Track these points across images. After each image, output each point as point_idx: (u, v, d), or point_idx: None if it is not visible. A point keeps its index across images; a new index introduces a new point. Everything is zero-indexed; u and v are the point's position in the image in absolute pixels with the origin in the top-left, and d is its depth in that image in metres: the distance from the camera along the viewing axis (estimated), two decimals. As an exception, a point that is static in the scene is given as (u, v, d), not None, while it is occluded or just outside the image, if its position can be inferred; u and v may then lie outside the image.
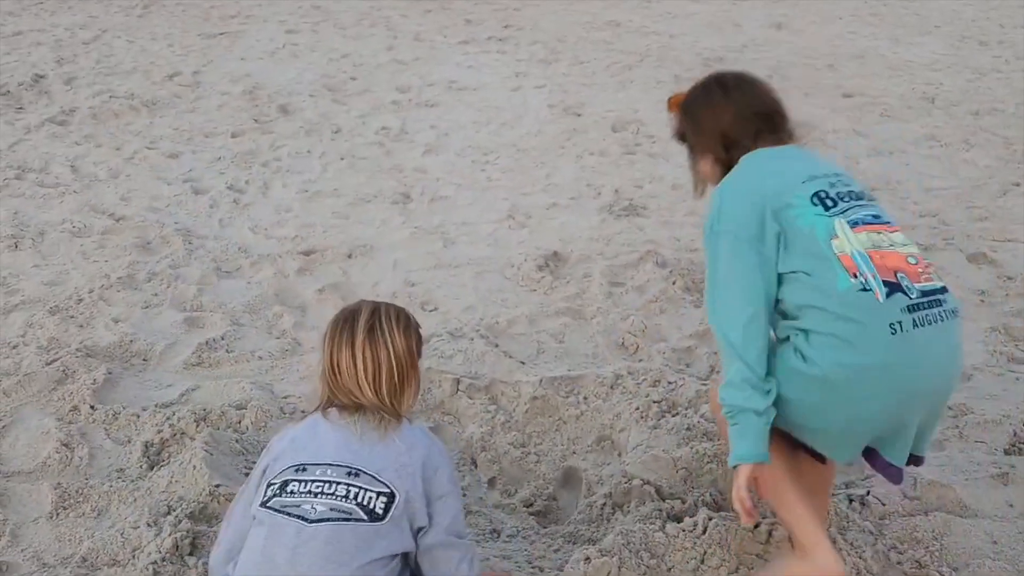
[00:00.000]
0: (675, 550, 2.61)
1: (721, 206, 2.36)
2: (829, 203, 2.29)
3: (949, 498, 2.95)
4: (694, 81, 2.69)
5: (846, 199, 2.32)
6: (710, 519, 2.68)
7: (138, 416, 3.37)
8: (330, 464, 2.14)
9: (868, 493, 2.95)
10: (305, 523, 2.06)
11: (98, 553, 2.71)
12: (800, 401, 2.25)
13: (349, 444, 2.18)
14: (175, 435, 3.25)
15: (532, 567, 2.73)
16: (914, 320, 2.19)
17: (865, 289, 2.18)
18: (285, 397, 3.50)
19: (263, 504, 2.14)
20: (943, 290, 2.29)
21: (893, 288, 2.19)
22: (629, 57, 9.07)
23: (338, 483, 2.11)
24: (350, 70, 8.61)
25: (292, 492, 2.12)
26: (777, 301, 2.31)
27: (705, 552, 2.60)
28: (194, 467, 3.01)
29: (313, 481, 2.12)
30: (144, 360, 3.85)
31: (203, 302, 4.33)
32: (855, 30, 10.39)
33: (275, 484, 2.16)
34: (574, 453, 3.33)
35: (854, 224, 2.27)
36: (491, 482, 3.24)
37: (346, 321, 2.29)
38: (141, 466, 3.12)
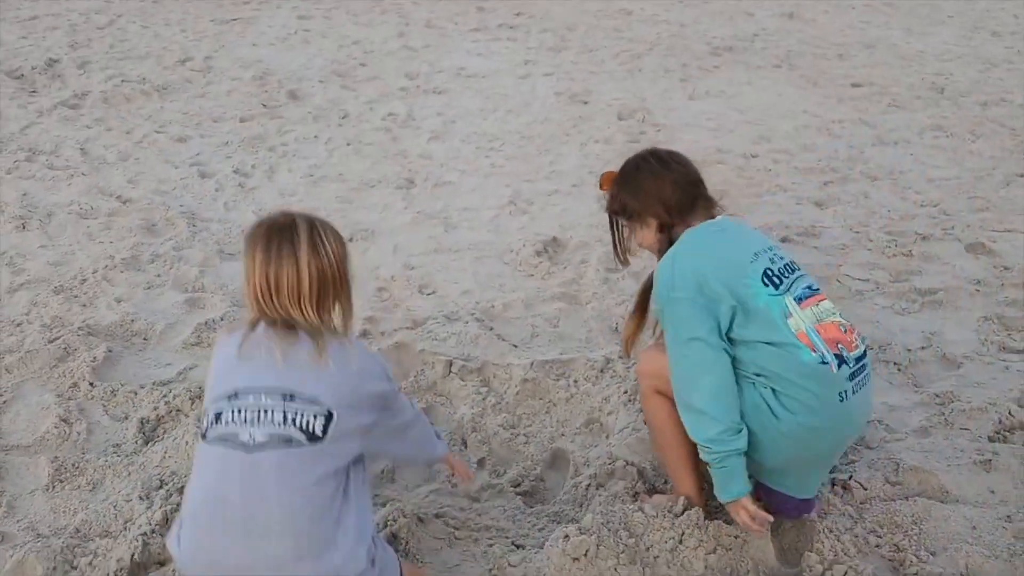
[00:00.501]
0: (654, 530, 2.65)
1: (674, 275, 2.56)
2: (776, 281, 2.55)
3: (931, 484, 2.96)
4: (632, 153, 2.85)
5: (787, 274, 2.59)
6: (689, 501, 2.73)
7: (135, 393, 3.44)
8: (264, 390, 2.07)
9: (850, 478, 2.97)
10: (246, 453, 2.02)
11: (91, 525, 2.78)
12: (757, 441, 2.53)
13: (282, 366, 2.07)
14: (170, 412, 3.32)
15: (514, 545, 2.77)
16: (852, 387, 2.55)
17: (824, 362, 2.48)
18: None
19: (203, 437, 2.11)
20: (866, 353, 2.65)
21: (840, 360, 2.52)
22: (639, 45, 9.07)
23: (274, 408, 2.05)
24: (360, 56, 8.65)
25: (228, 422, 2.06)
26: (736, 359, 2.53)
27: (683, 533, 2.64)
28: (187, 443, 3.09)
29: (248, 408, 2.06)
30: (144, 339, 3.92)
31: (204, 283, 4.40)
32: (868, 19, 10.34)
33: (210, 414, 2.11)
34: (562, 435, 3.38)
35: (799, 300, 2.55)
36: (480, 462, 3.29)
37: (283, 234, 2.12)
38: (136, 441, 3.19)
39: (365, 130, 6.74)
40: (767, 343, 2.48)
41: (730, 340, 2.52)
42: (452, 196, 5.54)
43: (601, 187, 2.87)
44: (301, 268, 2.09)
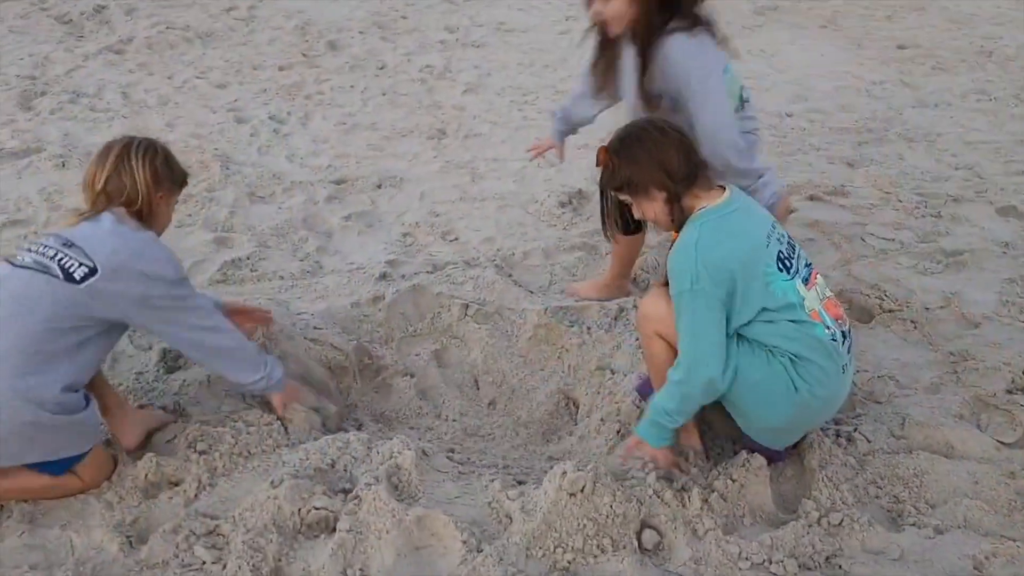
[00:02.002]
0: (651, 470, 2.69)
1: (698, 266, 2.55)
2: (788, 264, 2.63)
3: (936, 439, 2.96)
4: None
5: (792, 254, 2.67)
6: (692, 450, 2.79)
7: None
8: (54, 235, 2.57)
9: (855, 430, 2.98)
10: (12, 267, 2.52)
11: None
12: (766, 400, 2.66)
13: (77, 228, 2.58)
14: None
15: (516, 481, 2.83)
16: (849, 360, 2.72)
17: (834, 339, 2.63)
18: (299, 314, 3.64)
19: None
20: (850, 328, 2.81)
21: (844, 335, 2.69)
22: (682, 3, 8.95)
23: (50, 247, 2.52)
24: (401, 8, 8.67)
25: (16, 249, 2.52)
26: (755, 332, 2.63)
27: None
28: (207, 377, 3.18)
29: (33, 243, 2.58)
30: (172, 275, 4.02)
31: (233, 224, 4.50)
32: (921, -19, 10.09)
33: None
34: (573, 380, 3.42)
35: (805, 281, 2.66)
36: (491, 404, 3.35)
37: (108, 145, 2.71)
38: (159, 370, 3.29)
39: (401, 81, 6.77)
40: (787, 320, 2.59)
41: (748, 322, 2.60)
42: (482, 147, 5.57)
43: (597, 163, 2.74)
44: (98, 170, 2.65)
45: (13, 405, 2.39)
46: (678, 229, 2.68)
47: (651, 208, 2.70)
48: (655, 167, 2.62)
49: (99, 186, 2.64)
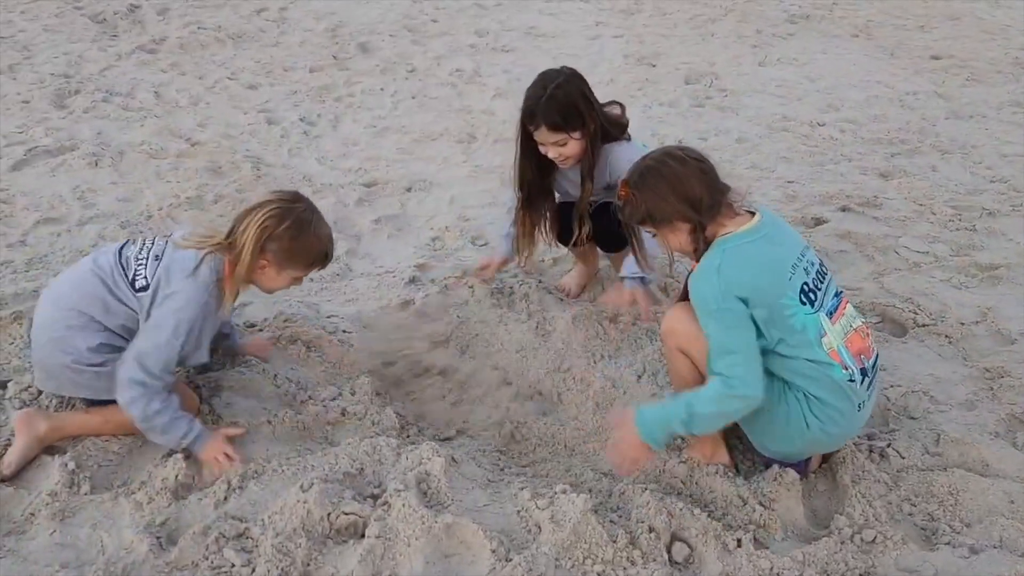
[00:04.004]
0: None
1: (720, 285, 2.51)
2: (812, 296, 2.58)
3: (971, 456, 2.92)
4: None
5: (820, 283, 2.62)
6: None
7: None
8: (165, 244, 2.85)
9: (889, 445, 2.95)
10: (116, 247, 2.87)
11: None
12: (778, 431, 2.68)
13: (181, 253, 2.79)
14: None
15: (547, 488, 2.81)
16: (868, 396, 2.70)
17: (852, 380, 2.60)
18: (329, 317, 3.64)
19: None
20: (877, 355, 2.78)
21: (863, 373, 2.64)
22: (713, 10, 8.92)
23: (147, 251, 2.82)
24: (432, 12, 8.68)
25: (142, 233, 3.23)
26: (772, 364, 2.60)
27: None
28: (238, 369, 3.19)
29: (149, 241, 2.87)
30: (203, 275, 4.03)
31: (264, 225, 4.50)
32: (955, -9, 10.01)
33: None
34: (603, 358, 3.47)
35: (830, 314, 2.61)
36: (521, 407, 3.34)
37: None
38: (189, 370, 3.30)
39: (431, 84, 6.78)
40: (805, 359, 2.57)
41: (764, 351, 2.56)
42: (511, 153, 5.53)
43: (619, 196, 2.68)
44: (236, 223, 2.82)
45: (52, 351, 2.77)
46: (698, 259, 2.64)
47: (676, 239, 2.65)
48: (678, 199, 2.56)
49: (231, 226, 2.83)
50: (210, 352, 2.94)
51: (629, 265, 3.36)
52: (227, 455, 2.75)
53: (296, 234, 2.79)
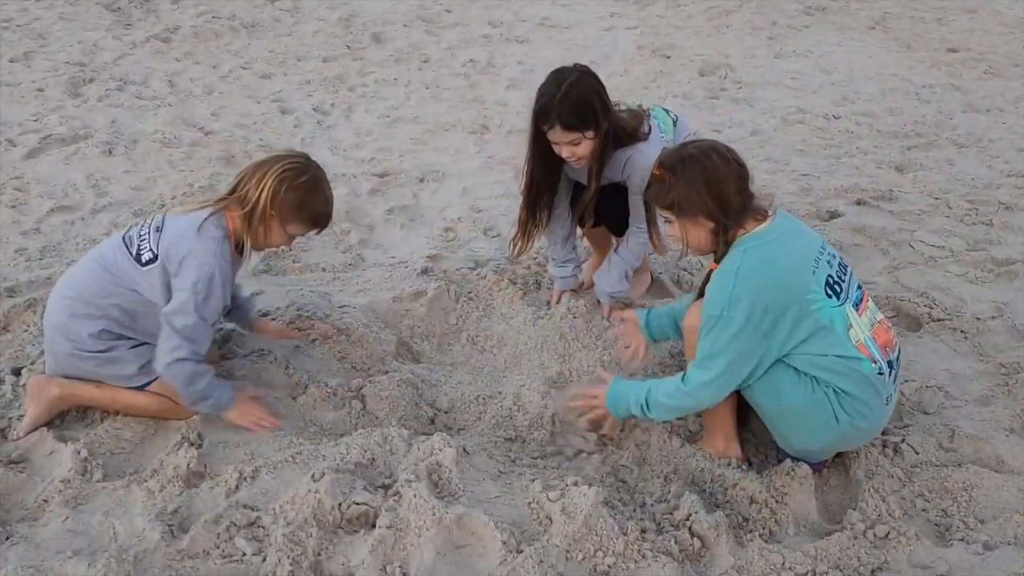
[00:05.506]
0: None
1: (733, 295, 2.49)
2: (837, 288, 2.57)
3: (986, 452, 2.90)
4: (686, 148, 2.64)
5: (843, 277, 2.61)
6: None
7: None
8: (161, 217, 2.88)
9: (903, 440, 2.93)
10: (119, 235, 2.92)
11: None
12: (807, 427, 2.66)
13: (178, 219, 2.83)
14: (234, 331, 3.43)
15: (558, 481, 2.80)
16: (894, 389, 2.71)
17: (880, 373, 2.60)
18: (341, 307, 3.64)
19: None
20: (900, 349, 2.79)
21: (890, 366, 2.64)
22: (728, 2, 8.88)
23: (148, 227, 2.85)
24: (446, 2, 8.67)
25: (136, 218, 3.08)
26: (800, 361, 2.59)
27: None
28: (252, 361, 3.19)
29: (148, 220, 2.91)
30: (215, 264, 4.03)
31: (276, 214, 4.50)
32: (973, -16, 9.92)
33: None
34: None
35: (856, 306, 2.61)
36: (532, 398, 3.33)
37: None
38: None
39: (444, 75, 6.77)
40: (834, 355, 2.55)
41: (795, 348, 2.56)
42: (524, 144, 5.52)
43: (654, 178, 2.63)
44: (247, 170, 2.89)
45: (57, 338, 2.84)
46: (718, 260, 2.63)
47: (694, 233, 2.62)
48: (710, 195, 2.53)
49: (234, 182, 2.89)
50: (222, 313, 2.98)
51: (603, 281, 3.55)
52: (266, 418, 2.89)
53: (312, 188, 2.88)
